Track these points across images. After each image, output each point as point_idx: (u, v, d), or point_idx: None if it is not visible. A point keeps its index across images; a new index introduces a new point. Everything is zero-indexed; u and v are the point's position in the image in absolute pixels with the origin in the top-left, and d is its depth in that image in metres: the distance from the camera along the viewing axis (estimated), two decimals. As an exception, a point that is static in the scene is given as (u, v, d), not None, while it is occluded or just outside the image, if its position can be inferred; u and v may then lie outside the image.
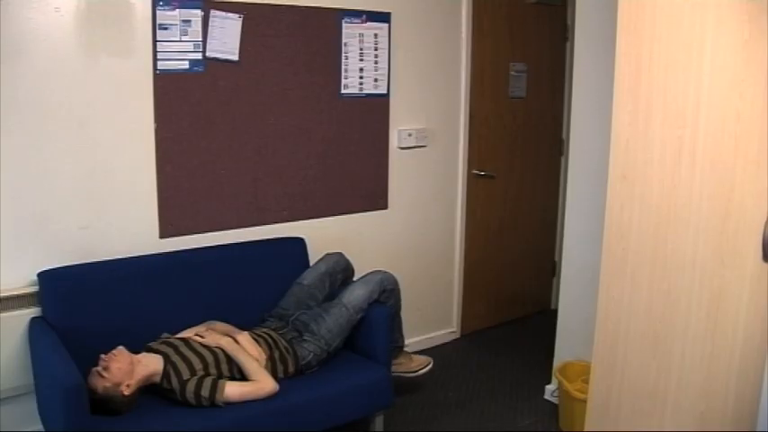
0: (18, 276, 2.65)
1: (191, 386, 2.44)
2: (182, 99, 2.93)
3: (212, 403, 2.44)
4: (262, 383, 2.52)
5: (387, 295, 3.01)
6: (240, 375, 2.57)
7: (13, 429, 2.67)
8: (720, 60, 1.95)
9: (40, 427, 2.58)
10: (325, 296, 3.02)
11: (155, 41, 2.83)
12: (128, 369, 2.38)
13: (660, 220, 2.08)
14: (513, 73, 4.14)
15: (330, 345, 2.78)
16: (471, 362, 3.79)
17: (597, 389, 2.31)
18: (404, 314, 3.53)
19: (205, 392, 2.43)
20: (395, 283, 3.06)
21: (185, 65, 2.92)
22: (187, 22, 2.89)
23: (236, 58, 3.04)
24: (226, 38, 3.00)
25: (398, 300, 3.12)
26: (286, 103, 3.23)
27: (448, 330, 4.12)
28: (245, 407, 2.47)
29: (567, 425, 3.03)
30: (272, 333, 2.78)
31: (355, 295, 2.88)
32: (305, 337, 2.77)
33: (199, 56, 2.95)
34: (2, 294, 2.59)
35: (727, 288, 2.05)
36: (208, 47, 2.96)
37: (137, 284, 2.75)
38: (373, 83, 3.50)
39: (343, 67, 3.38)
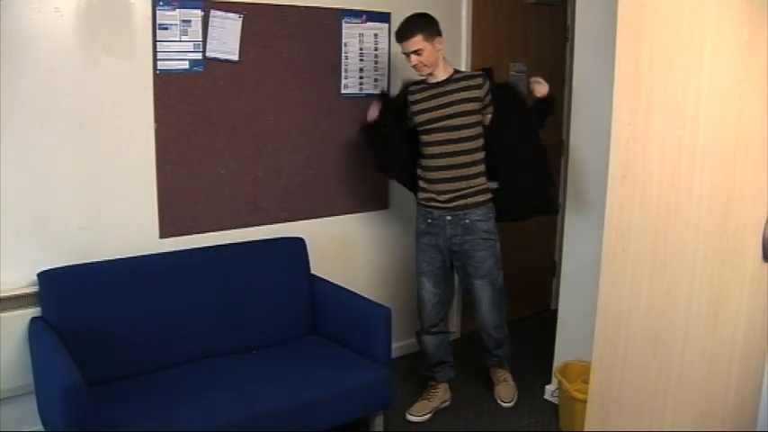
0: (18, 276, 2.65)
1: None
2: (182, 99, 2.93)
3: None
4: None
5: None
6: None
7: (13, 429, 2.67)
8: (720, 60, 1.95)
9: (39, 427, 2.58)
10: None
11: (155, 41, 2.83)
12: None
13: (660, 219, 2.08)
14: (513, 73, 4.13)
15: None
16: (471, 362, 3.78)
17: (597, 389, 2.31)
18: (404, 314, 3.52)
19: None
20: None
21: (185, 65, 2.92)
22: (187, 22, 2.89)
23: (236, 58, 3.04)
24: (226, 38, 3.00)
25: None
26: (286, 103, 3.23)
27: (448, 330, 4.11)
28: (245, 406, 2.47)
29: (567, 425, 3.03)
30: None
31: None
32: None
33: (199, 56, 2.94)
34: (2, 294, 2.59)
35: (727, 288, 2.05)
36: (208, 47, 2.96)
37: (137, 284, 2.75)
38: (373, 83, 3.49)
39: (343, 67, 3.38)
